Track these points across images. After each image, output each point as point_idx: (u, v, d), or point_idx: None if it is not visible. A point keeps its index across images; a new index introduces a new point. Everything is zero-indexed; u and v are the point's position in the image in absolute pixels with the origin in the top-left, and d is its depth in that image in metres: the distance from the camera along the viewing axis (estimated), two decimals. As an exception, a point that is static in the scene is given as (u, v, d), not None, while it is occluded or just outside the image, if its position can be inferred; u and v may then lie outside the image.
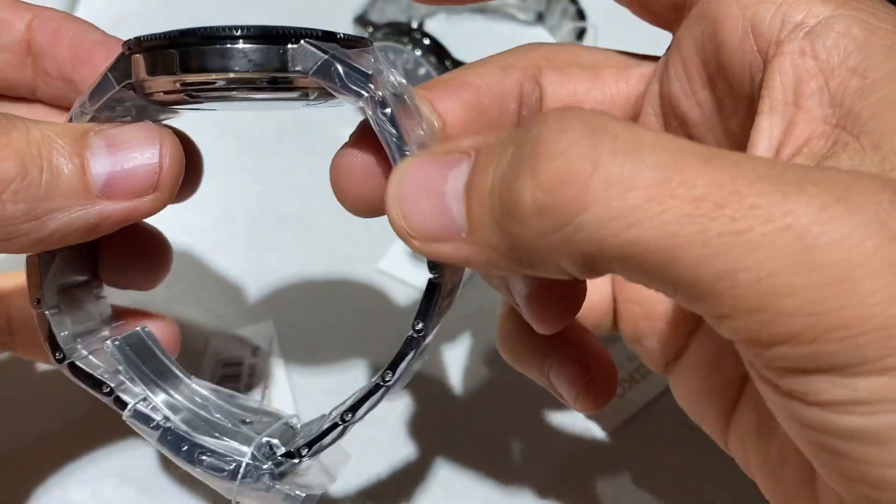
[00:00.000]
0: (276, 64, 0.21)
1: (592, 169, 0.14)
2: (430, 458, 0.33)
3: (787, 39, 0.19)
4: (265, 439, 0.24)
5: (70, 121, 0.24)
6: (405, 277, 0.38)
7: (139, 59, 0.22)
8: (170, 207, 0.29)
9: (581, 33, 0.45)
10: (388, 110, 0.20)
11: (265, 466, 0.24)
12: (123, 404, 0.25)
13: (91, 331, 0.26)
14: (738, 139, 0.21)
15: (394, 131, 0.20)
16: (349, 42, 0.22)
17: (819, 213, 0.14)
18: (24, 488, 0.31)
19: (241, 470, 0.24)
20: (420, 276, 0.38)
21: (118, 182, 0.22)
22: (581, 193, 0.14)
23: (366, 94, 0.20)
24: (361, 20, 0.43)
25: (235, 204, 0.41)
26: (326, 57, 0.21)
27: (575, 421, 0.33)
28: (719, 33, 0.20)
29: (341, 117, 0.47)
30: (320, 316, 0.37)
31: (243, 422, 0.26)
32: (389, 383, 0.22)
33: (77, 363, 0.25)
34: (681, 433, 0.32)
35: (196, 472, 0.24)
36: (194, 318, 0.37)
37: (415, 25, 0.42)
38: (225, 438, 0.25)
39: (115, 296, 0.28)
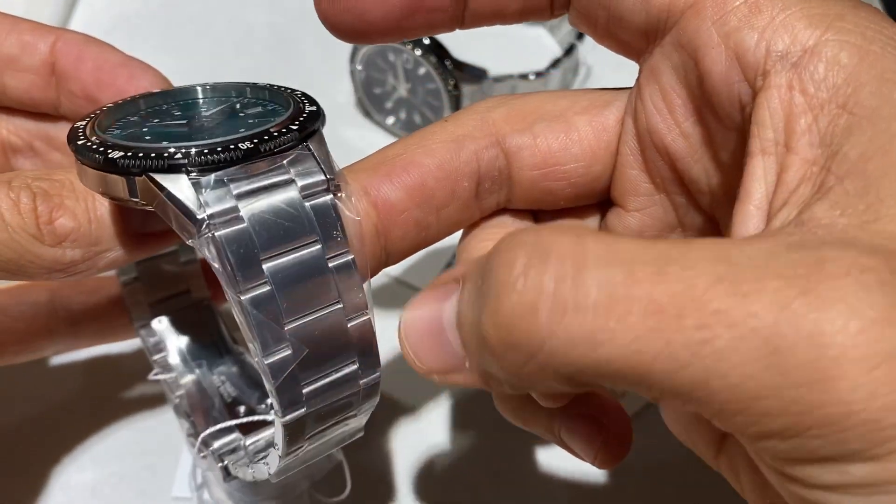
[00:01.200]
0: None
1: (544, 297, 0.14)
2: (428, 453, 0.33)
3: (773, 70, 0.18)
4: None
5: None
6: (410, 280, 0.38)
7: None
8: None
9: (581, 33, 0.45)
10: (214, 254, 0.19)
11: None
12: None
13: None
14: (730, 169, 0.21)
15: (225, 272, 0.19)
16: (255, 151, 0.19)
17: (783, 312, 0.13)
18: (24, 486, 0.31)
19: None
20: (424, 278, 0.38)
21: (153, 222, 0.24)
22: (539, 324, 0.14)
23: (194, 239, 0.19)
24: (361, 20, 0.43)
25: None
26: (161, 195, 0.19)
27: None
28: (702, 62, 0.19)
29: (342, 117, 0.47)
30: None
31: None
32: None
33: None
34: (681, 433, 0.32)
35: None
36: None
37: (415, 25, 0.42)
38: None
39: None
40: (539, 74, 0.42)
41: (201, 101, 0.24)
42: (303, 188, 0.20)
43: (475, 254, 0.24)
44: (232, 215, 0.19)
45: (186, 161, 0.19)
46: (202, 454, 0.27)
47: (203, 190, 0.19)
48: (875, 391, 0.13)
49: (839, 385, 0.13)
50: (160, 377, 0.30)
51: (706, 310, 0.14)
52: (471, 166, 0.23)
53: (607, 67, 0.47)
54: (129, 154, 0.19)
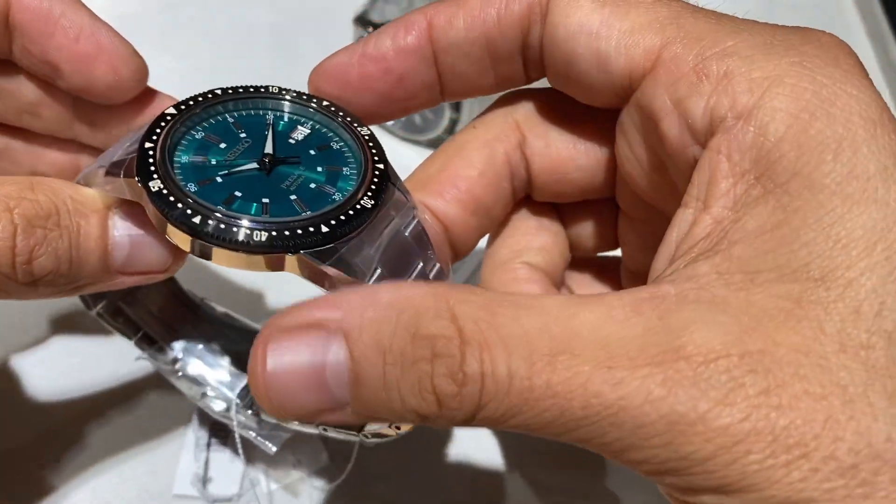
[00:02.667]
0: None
1: (482, 382, 0.17)
2: (423, 461, 0.33)
3: (714, 132, 0.19)
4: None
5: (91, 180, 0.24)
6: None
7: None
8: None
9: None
10: None
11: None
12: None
13: None
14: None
15: None
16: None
17: (649, 395, 0.16)
18: (23, 488, 0.31)
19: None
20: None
21: (135, 263, 0.24)
22: (476, 400, 0.17)
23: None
24: (361, 20, 0.43)
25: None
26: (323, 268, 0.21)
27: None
28: (659, 127, 0.20)
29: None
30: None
31: None
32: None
33: None
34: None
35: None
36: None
37: (415, 25, 0.42)
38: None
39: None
40: (539, 74, 0.42)
41: (267, 124, 0.24)
42: (401, 223, 0.23)
43: (506, 261, 0.26)
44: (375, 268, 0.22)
45: (334, 240, 0.21)
46: (235, 405, 0.29)
47: (351, 258, 0.21)
48: (721, 447, 0.16)
49: (694, 443, 0.16)
50: (145, 358, 0.30)
51: (589, 391, 0.16)
52: (505, 168, 0.25)
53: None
54: (277, 234, 0.21)
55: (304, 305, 0.18)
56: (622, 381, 0.16)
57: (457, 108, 0.41)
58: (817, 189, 0.17)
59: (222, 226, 0.20)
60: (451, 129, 0.42)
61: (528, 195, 0.26)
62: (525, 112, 0.25)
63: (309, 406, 0.18)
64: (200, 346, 0.31)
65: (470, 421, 0.17)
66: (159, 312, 0.31)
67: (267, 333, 0.18)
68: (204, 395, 0.30)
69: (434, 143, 0.43)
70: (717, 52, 0.19)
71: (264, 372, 0.18)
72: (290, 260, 0.21)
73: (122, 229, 0.23)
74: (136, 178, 0.21)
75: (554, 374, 0.17)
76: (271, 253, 0.20)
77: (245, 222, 0.20)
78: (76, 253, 0.22)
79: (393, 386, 0.17)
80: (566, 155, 0.25)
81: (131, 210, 0.23)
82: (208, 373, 0.31)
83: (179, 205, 0.21)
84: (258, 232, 0.20)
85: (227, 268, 0.21)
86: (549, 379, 0.17)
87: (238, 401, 0.30)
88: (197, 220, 0.20)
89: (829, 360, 0.16)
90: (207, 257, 0.21)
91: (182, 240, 0.21)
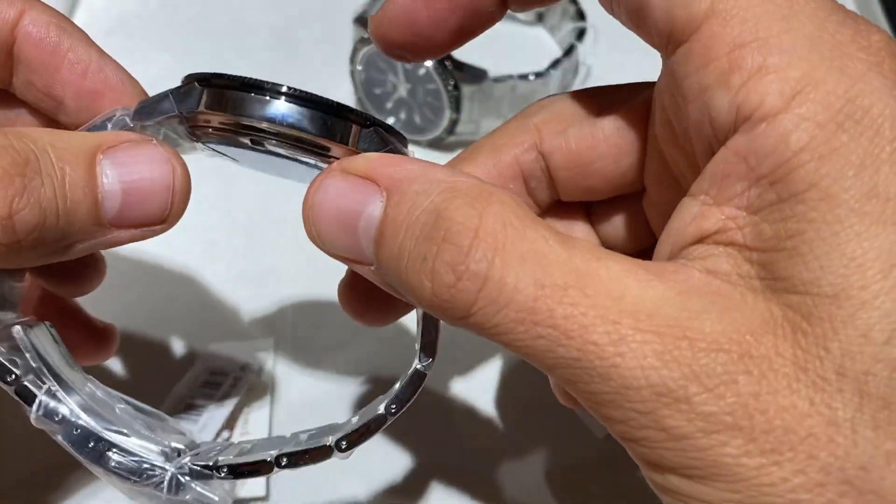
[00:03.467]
0: (339, 137, 0.21)
1: (483, 283, 0.17)
2: (423, 462, 0.33)
3: (737, 129, 0.18)
4: (174, 444, 0.23)
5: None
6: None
7: (210, 93, 0.22)
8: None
9: (581, 33, 0.45)
10: None
11: (186, 478, 0.23)
12: (31, 396, 0.23)
13: None
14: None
15: None
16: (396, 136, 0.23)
17: (644, 361, 0.16)
18: None
19: (166, 481, 0.23)
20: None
21: (130, 214, 0.22)
22: (474, 300, 0.17)
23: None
24: (361, 20, 0.43)
25: (235, 204, 0.41)
26: (389, 147, 0.22)
27: (569, 426, 0.33)
28: (684, 108, 0.20)
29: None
30: (322, 322, 0.37)
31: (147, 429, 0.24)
32: (393, 418, 0.23)
33: None
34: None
35: (99, 471, 0.23)
36: (193, 318, 0.37)
37: (415, 25, 0.42)
38: (133, 437, 0.23)
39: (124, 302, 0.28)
40: (539, 75, 0.42)
41: None
42: None
43: None
44: None
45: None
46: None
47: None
48: (701, 430, 0.16)
49: (676, 419, 0.16)
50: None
51: (587, 339, 0.17)
52: (513, 169, 0.25)
53: (607, 68, 0.47)
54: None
55: (369, 157, 0.20)
56: (623, 339, 0.16)
57: (457, 108, 0.41)
58: (835, 203, 0.17)
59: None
60: (450, 129, 0.42)
61: (557, 199, 0.26)
62: (544, 115, 0.25)
63: (339, 246, 0.20)
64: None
65: (462, 319, 0.17)
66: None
67: (332, 168, 0.20)
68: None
69: (434, 144, 0.43)
70: (758, 40, 0.18)
71: (314, 199, 0.20)
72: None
73: (113, 176, 0.21)
74: None
75: (559, 305, 0.17)
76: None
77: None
78: (62, 204, 0.20)
79: (404, 255, 0.18)
80: (585, 145, 0.24)
81: (125, 154, 0.22)
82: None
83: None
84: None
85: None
86: (553, 308, 0.17)
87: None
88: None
89: (826, 380, 0.16)
90: None
91: None
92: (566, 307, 0.17)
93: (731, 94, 0.18)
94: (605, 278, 0.17)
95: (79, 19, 0.49)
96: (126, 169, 0.21)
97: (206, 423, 0.31)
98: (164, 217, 0.22)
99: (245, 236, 0.40)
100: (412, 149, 0.23)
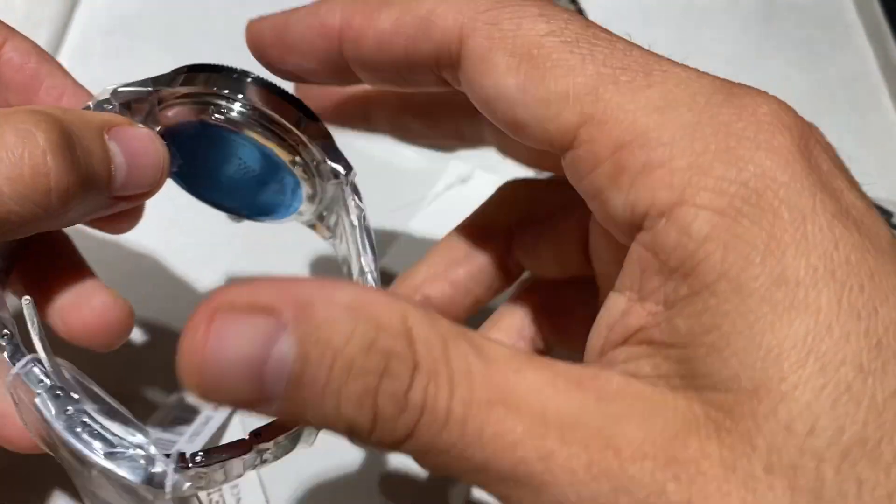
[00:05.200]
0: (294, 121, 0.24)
1: (421, 412, 0.16)
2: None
3: (640, 227, 0.18)
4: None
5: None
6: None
7: (186, 75, 0.26)
8: (171, 207, 0.29)
9: (581, 33, 0.45)
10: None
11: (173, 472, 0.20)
12: (20, 355, 0.22)
13: None
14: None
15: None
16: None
17: (573, 477, 0.16)
18: None
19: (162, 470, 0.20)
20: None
21: (131, 184, 0.24)
22: (408, 435, 0.17)
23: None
24: (361, 20, 0.43)
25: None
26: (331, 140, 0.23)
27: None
28: (587, 201, 0.19)
29: (341, 117, 0.47)
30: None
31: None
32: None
33: None
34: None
35: (73, 445, 0.20)
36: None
37: (415, 25, 0.42)
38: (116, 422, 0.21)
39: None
40: (539, 75, 0.42)
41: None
42: None
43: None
44: None
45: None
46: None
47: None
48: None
49: None
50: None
51: (516, 456, 0.16)
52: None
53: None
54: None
55: (260, 284, 0.17)
56: (551, 455, 0.16)
57: (457, 108, 0.41)
58: (746, 293, 0.16)
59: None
60: (451, 130, 0.42)
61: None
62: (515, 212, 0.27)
63: (240, 396, 0.16)
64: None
65: (397, 446, 0.17)
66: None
67: (215, 306, 0.16)
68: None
69: (434, 144, 0.43)
70: (637, 138, 0.18)
71: (204, 350, 0.16)
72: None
73: (118, 152, 0.24)
74: None
75: (487, 424, 0.16)
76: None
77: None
78: (91, 175, 0.23)
79: (333, 391, 0.16)
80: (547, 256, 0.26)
81: (125, 132, 0.24)
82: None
83: None
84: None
85: None
86: (481, 428, 0.16)
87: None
88: None
89: (755, 478, 0.15)
90: None
91: None
92: (493, 425, 0.16)
93: (623, 195, 0.18)
94: (526, 391, 0.17)
95: (79, 19, 0.50)
96: (127, 145, 0.24)
97: (194, 433, 0.30)
98: (152, 189, 0.25)
99: (244, 236, 0.40)
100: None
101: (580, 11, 0.46)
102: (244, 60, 0.48)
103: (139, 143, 0.24)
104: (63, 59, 0.47)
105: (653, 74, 0.18)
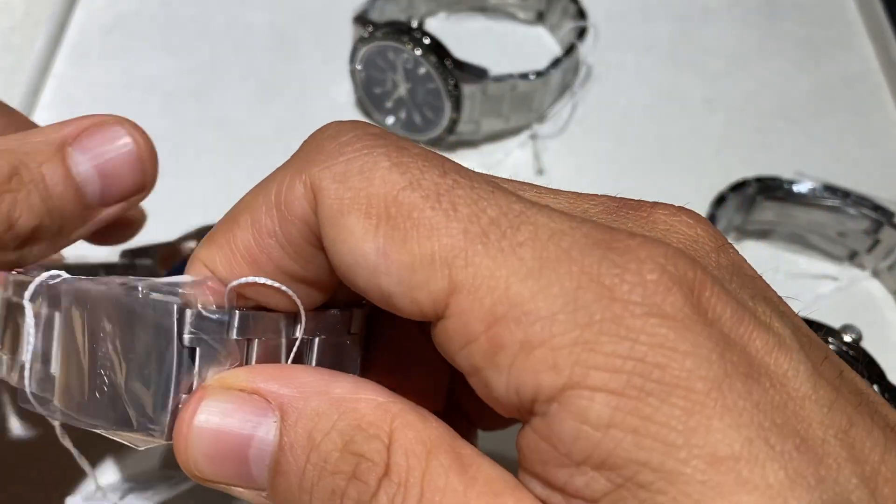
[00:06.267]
0: None
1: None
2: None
3: (530, 412, 0.16)
4: None
5: None
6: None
7: None
8: (170, 207, 0.29)
9: (581, 32, 0.45)
10: None
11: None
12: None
13: None
14: None
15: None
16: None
17: None
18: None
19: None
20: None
21: (111, 191, 0.23)
22: None
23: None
24: (361, 20, 0.43)
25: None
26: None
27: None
28: (466, 377, 0.17)
29: (342, 117, 0.47)
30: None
31: None
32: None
33: None
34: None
35: None
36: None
37: (415, 25, 0.42)
38: None
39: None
40: (539, 74, 0.42)
41: None
42: None
43: None
44: None
45: None
46: None
47: None
48: None
49: None
50: None
51: None
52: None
53: (607, 67, 0.47)
54: None
55: (255, 369, 0.17)
56: None
57: (457, 107, 0.41)
58: (681, 481, 0.14)
59: None
60: (450, 129, 0.42)
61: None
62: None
63: (225, 476, 0.17)
64: None
65: None
66: None
67: (207, 385, 0.17)
68: None
69: (434, 143, 0.43)
70: (511, 310, 0.15)
71: (191, 424, 0.17)
72: None
73: (85, 163, 0.23)
74: None
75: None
76: None
77: None
78: (51, 203, 0.22)
79: (307, 487, 0.16)
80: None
81: (89, 139, 0.23)
82: None
83: None
84: None
85: None
86: None
87: None
88: None
89: None
90: None
91: None
92: None
93: (504, 376, 0.15)
94: None
95: (77, 18, 0.49)
96: (94, 153, 0.23)
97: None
98: (142, 185, 0.24)
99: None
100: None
101: (580, 12, 0.46)
102: (244, 60, 0.49)
103: (105, 147, 0.23)
104: (62, 57, 0.47)
105: (521, 229, 0.16)
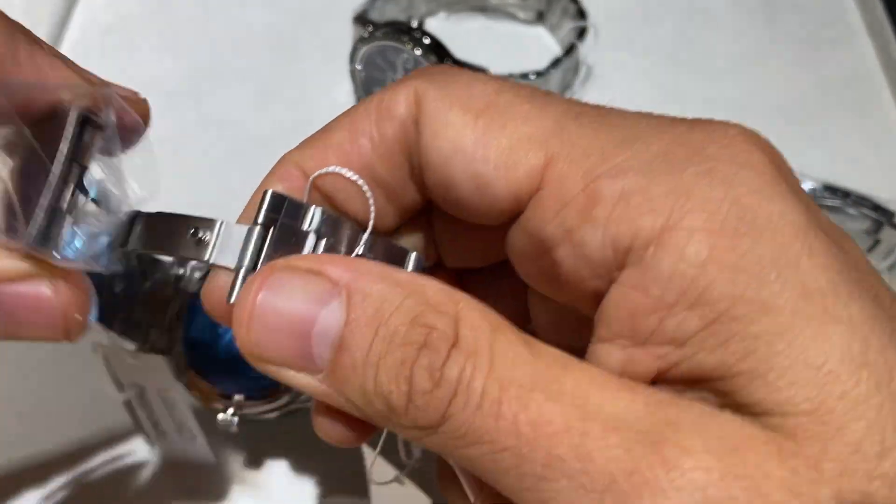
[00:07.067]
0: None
1: (455, 390, 0.16)
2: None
3: (623, 265, 0.16)
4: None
5: None
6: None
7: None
8: (169, 207, 0.29)
9: (581, 32, 0.45)
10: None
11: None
12: None
13: None
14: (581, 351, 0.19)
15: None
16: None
17: (612, 485, 0.14)
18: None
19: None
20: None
21: (18, 327, 0.19)
22: (445, 411, 0.16)
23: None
24: (361, 19, 0.43)
25: (235, 203, 0.41)
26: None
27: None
28: (549, 253, 0.18)
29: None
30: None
31: None
32: None
33: None
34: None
35: None
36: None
37: (415, 25, 0.42)
38: None
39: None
40: (539, 74, 0.42)
41: None
42: None
43: None
44: None
45: None
46: None
47: None
48: None
49: None
50: None
51: (552, 452, 0.15)
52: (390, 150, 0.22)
53: (607, 67, 0.47)
54: None
55: (322, 255, 0.18)
56: (589, 455, 0.15)
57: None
58: (773, 312, 0.15)
59: None
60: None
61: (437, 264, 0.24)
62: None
63: (284, 354, 0.17)
64: None
65: (431, 431, 0.16)
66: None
67: (272, 265, 0.17)
68: None
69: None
70: (609, 169, 0.17)
71: (254, 301, 0.17)
72: None
73: None
74: None
75: (524, 411, 0.15)
76: None
77: None
78: None
79: (374, 361, 0.16)
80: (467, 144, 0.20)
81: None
82: None
83: None
84: None
85: None
86: (517, 414, 0.15)
87: None
88: None
89: None
90: None
91: None
92: (531, 413, 0.15)
93: (600, 229, 0.16)
94: (570, 386, 0.15)
95: (77, 18, 0.49)
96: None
97: None
98: (61, 332, 0.20)
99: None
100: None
101: (580, 12, 0.46)
102: (244, 60, 0.48)
103: (16, 300, 0.19)
104: (62, 58, 0.47)
105: (611, 115, 0.18)
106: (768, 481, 0.14)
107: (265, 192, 0.18)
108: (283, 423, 0.32)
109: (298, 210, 0.19)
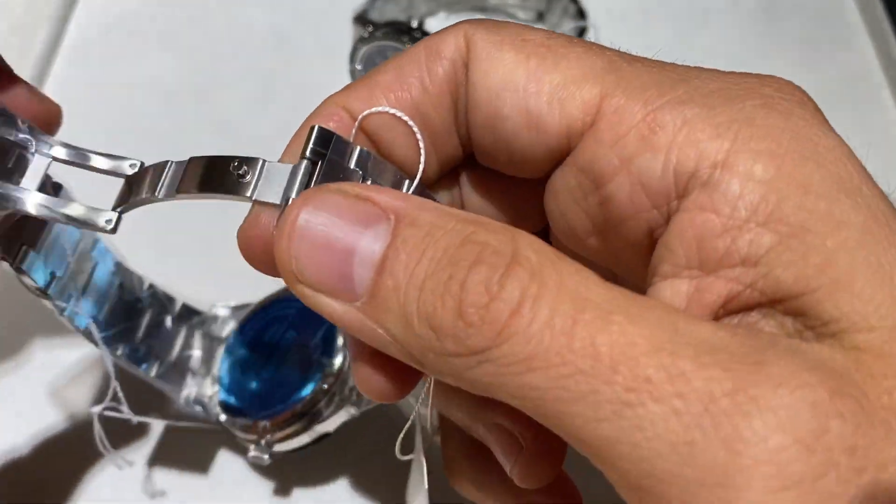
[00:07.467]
0: None
1: (515, 308, 0.14)
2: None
3: (684, 193, 0.16)
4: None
5: None
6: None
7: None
8: (170, 206, 0.29)
9: (581, 32, 0.45)
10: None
11: None
12: None
13: None
14: (640, 287, 0.18)
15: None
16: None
17: (708, 405, 0.13)
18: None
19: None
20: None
21: None
22: (491, 333, 0.14)
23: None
24: (361, 19, 0.43)
25: (235, 203, 0.41)
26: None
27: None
28: (603, 188, 0.18)
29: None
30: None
31: None
32: None
33: None
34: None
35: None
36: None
37: (415, 25, 0.42)
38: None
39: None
40: (539, 74, 0.42)
41: None
42: None
43: None
44: None
45: None
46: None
47: None
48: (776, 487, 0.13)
49: (742, 496, 0.13)
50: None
51: (639, 374, 0.13)
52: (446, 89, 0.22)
53: (608, 67, 0.47)
54: None
55: (370, 185, 0.18)
56: (682, 376, 0.13)
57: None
58: (847, 227, 0.15)
59: None
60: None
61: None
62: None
63: (323, 273, 0.16)
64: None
65: (481, 358, 0.14)
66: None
67: (322, 186, 0.17)
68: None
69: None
70: (669, 100, 0.17)
71: (298, 215, 0.16)
72: None
73: None
74: None
75: (602, 332, 0.14)
76: None
77: None
78: None
79: (418, 280, 0.15)
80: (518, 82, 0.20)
81: None
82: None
83: None
84: None
85: None
86: (594, 335, 0.14)
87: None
88: None
89: None
90: None
91: None
92: (612, 334, 0.14)
93: (661, 155, 0.16)
94: (653, 311, 0.14)
95: (77, 18, 0.49)
96: None
97: None
98: None
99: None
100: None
101: (580, 12, 0.46)
102: (244, 60, 0.48)
103: None
104: (61, 57, 0.47)
105: (663, 63, 0.18)
106: (869, 403, 0.13)
107: (312, 127, 0.18)
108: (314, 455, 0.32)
109: (346, 148, 0.18)
